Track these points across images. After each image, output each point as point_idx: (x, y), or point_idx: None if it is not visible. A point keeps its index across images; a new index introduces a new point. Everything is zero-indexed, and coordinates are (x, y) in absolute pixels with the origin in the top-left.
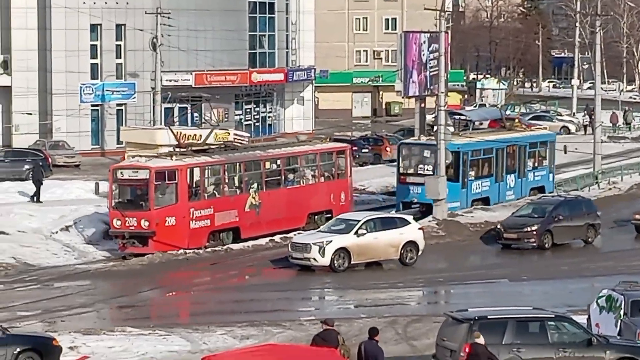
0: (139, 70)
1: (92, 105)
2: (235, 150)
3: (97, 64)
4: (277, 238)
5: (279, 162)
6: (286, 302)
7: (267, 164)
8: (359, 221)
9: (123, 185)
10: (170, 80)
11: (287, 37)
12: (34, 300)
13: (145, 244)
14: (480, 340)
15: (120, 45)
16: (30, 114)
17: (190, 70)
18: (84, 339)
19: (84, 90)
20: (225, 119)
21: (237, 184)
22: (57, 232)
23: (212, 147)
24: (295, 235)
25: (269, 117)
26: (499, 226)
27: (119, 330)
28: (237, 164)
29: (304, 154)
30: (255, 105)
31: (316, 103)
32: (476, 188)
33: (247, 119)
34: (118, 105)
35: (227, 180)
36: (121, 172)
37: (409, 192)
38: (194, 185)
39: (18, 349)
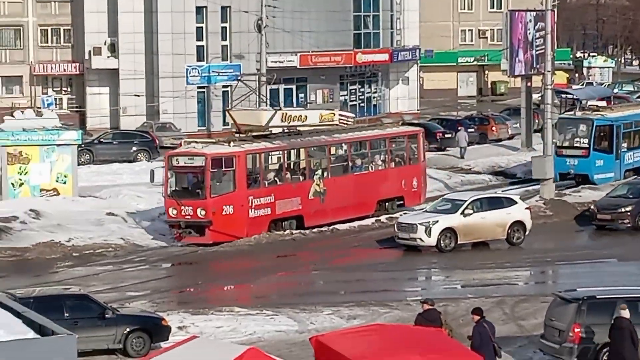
0: (244, 51)
1: (198, 87)
2: (298, 135)
3: (202, 46)
4: (383, 218)
5: (345, 147)
6: (393, 282)
7: (333, 150)
8: (465, 201)
9: (179, 172)
10: (275, 62)
11: (392, 17)
12: (143, 281)
13: (202, 233)
14: (626, 313)
15: (225, 27)
16: (138, 96)
17: (295, 52)
18: (192, 318)
19: (189, 72)
20: (330, 100)
21: (299, 170)
22: (164, 214)
23: (273, 132)
24: (401, 215)
25: (373, 97)
26: (592, 207)
27: (226, 310)
28: (300, 149)
29: (372, 139)
30: (360, 86)
31: (421, 83)
32: (629, 159)
33: (352, 99)
34: (224, 86)
35: (288, 167)
36: (176, 159)
37: (566, 163)
38: (253, 172)
39: (128, 329)
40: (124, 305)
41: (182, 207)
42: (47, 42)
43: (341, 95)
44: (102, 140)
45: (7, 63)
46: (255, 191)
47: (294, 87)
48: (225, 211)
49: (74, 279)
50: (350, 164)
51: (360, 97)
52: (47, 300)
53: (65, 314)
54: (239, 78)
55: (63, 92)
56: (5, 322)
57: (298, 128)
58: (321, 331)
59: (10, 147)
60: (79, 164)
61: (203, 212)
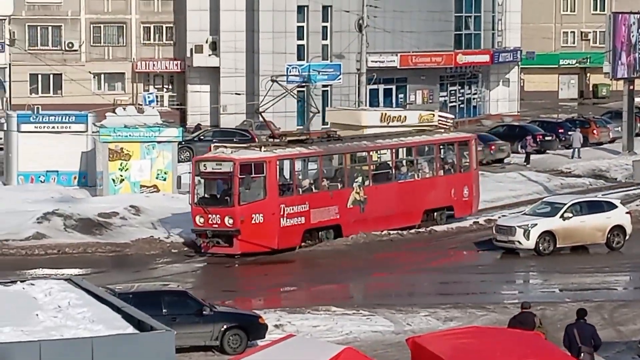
0: (344, 51)
1: (298, 86)
2: (338, 140)
3: (303, 45)
4: (481, 220)
5: (388, 154)
6: (490, 285)
7: (375, 156)
8: (565, 204)
9: (206, 178)
10: (375, 62)
11: (493, 18)
12: (240, 278)
13: (230, 243)
14: None
15: (326, 26)
16: (238, 94)
17: (396, 52)
18: (289, 317)
19: (290, 71)
20: (430, 101)
21: (338, 177)
22: None
23: (310, 137)
24: (499, 217)
25: (473, 98)
26: None
27: (323, 309)
28: (338, 155)
29: (419, 145)
30: (460, 87)
31: (522, 85)
32: None
33: (451, 100)
34: (323, 86)
35: (325, 174)
36: (204, 165)
37: None
38: (286, 179)
39: (225, 326)
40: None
41: (210, 215)
42: (150, 40)
43: (441, 96)
44: (201, 137)
45: (109, 60)
46: (288, 199)
47: (393, 87)
48: (255, 220)
49: (172, 275)
50: (394, 171)
51: (460, 99)
52: (146, 296)
53: (164, 310)
54: (273, 78)
55: (164, 90)
56: (105, 317)
57: (339, 133)
58: (417, 332)
59: (112, 143)
60: (179, 161)
61: (231, 221)
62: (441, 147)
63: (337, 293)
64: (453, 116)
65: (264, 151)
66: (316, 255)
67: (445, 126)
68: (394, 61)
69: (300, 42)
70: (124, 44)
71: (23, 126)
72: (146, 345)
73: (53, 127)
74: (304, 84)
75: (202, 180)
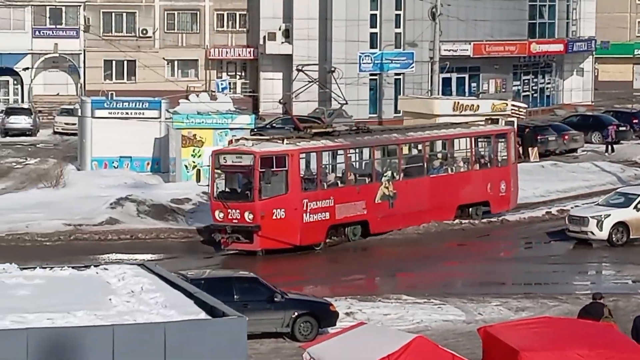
0: (417, 39)
1: (371, 74)
2: (368, 133)
3: (376, 33)
4: (554, 210)
5: (420, 147)
6: (562, 276)
7: (405, 149)
8: (638, 195)
9: (226, 172)
10: (448, 50)
11: (568, 7)
12: (312, 266)
13: (251, 239)
14: None
15: (399, 14)
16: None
17: (469, 40)
18: (360, 305)
19: (362, 59)
20: (503, 90)
21: (365, 171)
22: None
23: (337, 129)
24: (572, 208)
25: (547, 88)
26: None
27: (394, 298)
28: (366, 149)
29: (452, 138)
30: (533, 76)
31: (596, 74)
32: None
33: (524, 89)
34: (396, 74)
35: (352, 168)
36: (224, 158)
37: None
38: (309, 173)
39: (296, 313)
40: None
41: (229, 210)
42: (223, 27)
43: (514, 86)
44: (274, 125)
45: (183, 47)
46: (312, 194)
47: (466, 76)
48: (276, 215)
49: (244, 261)
50: (425, 165)
51: (534, 88)
52: (218, 282)
53: (235, 296)
54: (299, 68)
55: (237, 77)
56: (178, 302)
57: (368, 126)
58: (489, 322)
59: (185, 129)
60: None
61: (251, 216)
62: (477, 140)
63: (409, 281)
64: (526, 105)
65: (287, 144)
66: (387, 244)
67: (518, 115)
68: (467, 50)
69: (373, 30)
70: (198, 31)
71: (97, 112)
72: (218, 331)
73: (127, 113)
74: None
75: (222, 174)
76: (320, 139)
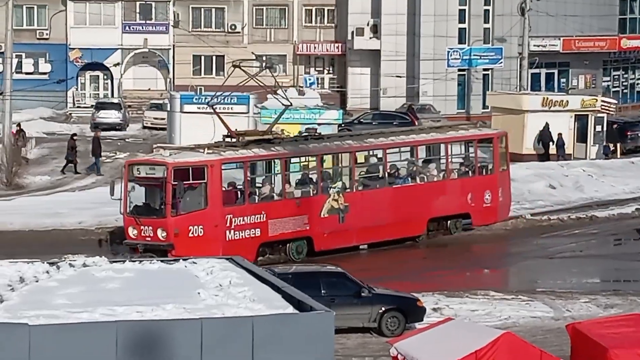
0: (506, 35)
1: (459, 70)
2: (318, 139)
3: (464, 28)
4: None
5: (380, 154)
6: None
7: (361, 157)
8: None
9: (140, 185)
10: (537, 46)
11: None
12: (399, 261)
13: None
14: None
15: (488, 10)
16: (399, 77)
17: (558, 36)
18: (447, 300)
19: (451, 55)
20: (593, 86)
21: (308, 183)
22: None
23: (278, 136)
24: None
25: (637, 83)
26: None
27: (482, 294)
28: (309, 158)
29: (420, 144)
30: (623, 72)
31: None
32: None
33: (614, 85)
34: (484, 70)
35: (290, 179)
36: (137, 169)
37: None
38: (235, 186)
39: (383, 308)
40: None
41: (142, 227)
42: (311, 22)
43: (604, 81)
44: (362, 120)
45: (271, 42)
46: (237, 208)
47: (555, 71)
48: (193, 232)
49: (331, 256)
50: (386, 174)
51: (624, 84)
52: (305, 277)
53: (322, 291)
54: (235, 63)
55: (325, 72)
56: (266, 296)
57: (320, 132)
58: (577, 319)
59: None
60: None
61: (164, 234)
62: (453, 146)
63: (496, 277)
64: (616, 101)
65: (208, 153)
66: (474, 240)
67: (608, 111)
68: (557, 45)
69: (461, 26)
70: (286, 27)
71: (186, 107)
72: (306, 325)
73: (215, 108)
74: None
75: (135, 187)
76: (254, 147)
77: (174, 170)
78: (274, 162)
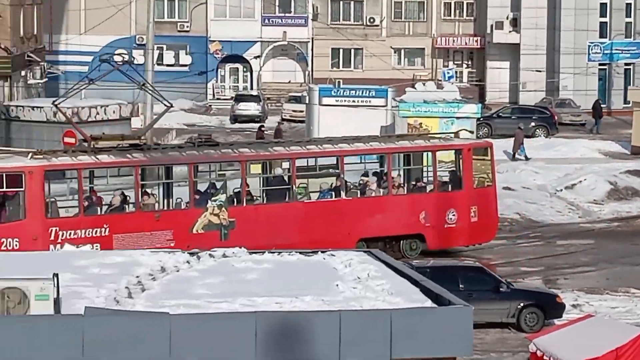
0: None
1: (600, 64)
2: (213, 147)
3: (605, 22)
4: None
5: (287, 165)
6: None
7: (257, 168)
8: None
9: None
10: None
11: None
12: (537, 257)
13: None
14: None
15: (630, 4)
16: (539, 71)
17: None
18: (586, 297)
19: (591, 49)
20: None
21: (177, 194)
22: (561, 190)
23: (145, 143)
24: None
25: None
26: None
27: (622, 291)
28: (178, 167)
29: (346, 154)
30: None
31: None
32: None
33: None
34: (626, 64)
35: (151, 189)
36: None
37: None
38: (66, 196)
39: (522, 304)
40: (518, 281)
41: None
42: (450, 16)
43: None
44: (500, 114)
45: (410, 35)
46: (67, 220)
47: None
48: (6, 245)
49: (468, 251)
50: (293, 188)
51: None
52: (443, 271)
53: (460, 285)
54: (102, 58)
55: (464, 66)
56: (404, 289)
57: (214, 139)
58: None
59: (411, 118)
60: (477, 137)
61: None
62: (400, 157)
63: (636, 275)
64: None
65: (32, 159)
66: (616, 235)
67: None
68: None
69: (602, 19)
70: (425, 20)
71: (324, 99)
72: (444, 319)
73: (353, 101)
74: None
75: None
76: (105, 153)
77: None
78: (127, 169)
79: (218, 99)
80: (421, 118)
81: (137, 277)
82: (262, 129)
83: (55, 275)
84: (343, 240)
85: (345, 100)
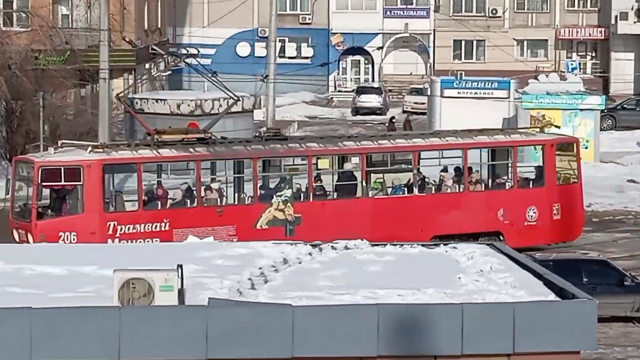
0: None
1: None
2: (282, 141)
3: None
4: None
5: (355, 159)
6: None
7: (325, 163)
8: None
9: (21, 184)
10: None
11: None
12: None
13: None
14: None
15: None
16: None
17: None
18: None
19: None
20: None
21: (241, 189)
22: None
23: (212, 137)
24: None
25: None
26: None
27: None
28: (244, 162)
29: (424, 150)
30: None
31: None
32: None
33: None
34: None
35: (212, 184)
36: (21, 167)
37: None
38: (126, 190)
39: None
40: None
41: (19, 231)
42: (574, 7)
43: None
44: (625, 106)
45: (533, 27)
46: (125, 215)
47: None
48: (64, 240)
49: (592, 244)
50: (364, 183)
51: None
52: (567, 264)
53: (584, 279)
54: (170, 51)
55: (587, 57)
56: (527, 283)
57: (284, 133)
58: None
59: (534, 110)
60: (601, 130)
61: (31, 239)
62: (479, 152)
63: None
64: None
65: (90, 152)
66: None
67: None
68: None
69: None
70: (548, 11)
71: (446, 91)
72: (567, 313)
73: (475, 93)
74: None
75: (22, 186)
76: (167, 148)
77: (41, 170)
78: (189, 164)
79: (339, 91)
80: (544, 110)
81: (260, 268)
82: (393, 120)
83: (180, 266)
84: (415, 237)
85: (467, 92)
